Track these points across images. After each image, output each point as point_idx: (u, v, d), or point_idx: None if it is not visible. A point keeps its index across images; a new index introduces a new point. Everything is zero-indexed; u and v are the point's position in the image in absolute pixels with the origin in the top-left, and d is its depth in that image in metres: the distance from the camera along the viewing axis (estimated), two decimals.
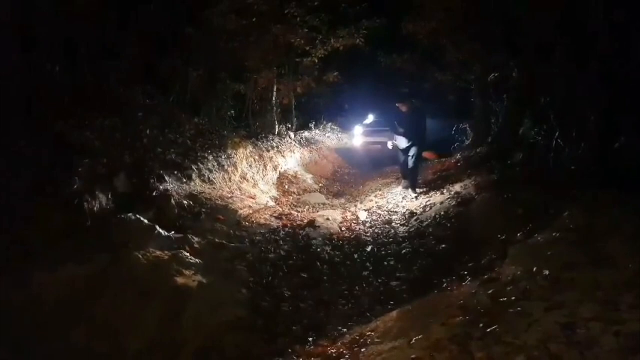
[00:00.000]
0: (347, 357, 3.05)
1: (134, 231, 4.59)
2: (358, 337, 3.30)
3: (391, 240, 5.88)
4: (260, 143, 10.03)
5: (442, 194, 7.08)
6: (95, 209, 4.61)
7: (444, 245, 5.17)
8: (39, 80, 5.60)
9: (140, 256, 4.26)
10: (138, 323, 3.74)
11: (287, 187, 9.15)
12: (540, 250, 3.50)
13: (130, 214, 4.70)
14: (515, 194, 5.31)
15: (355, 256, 5.42)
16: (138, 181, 5.26)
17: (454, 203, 6.29)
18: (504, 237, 4.45)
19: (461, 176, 7.64)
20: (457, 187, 6.98)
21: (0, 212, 4.12)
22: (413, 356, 2.54)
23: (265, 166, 9.13)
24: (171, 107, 8.35)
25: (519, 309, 2.64)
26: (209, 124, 9.17)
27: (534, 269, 3.10)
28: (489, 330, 2.50)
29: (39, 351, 3.39)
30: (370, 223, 6.79)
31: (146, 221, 4.69)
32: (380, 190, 9.32)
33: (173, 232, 4.83)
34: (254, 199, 7.17)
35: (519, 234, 4.25)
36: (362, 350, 3.01)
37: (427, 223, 6.08)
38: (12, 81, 5.14)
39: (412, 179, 7.92)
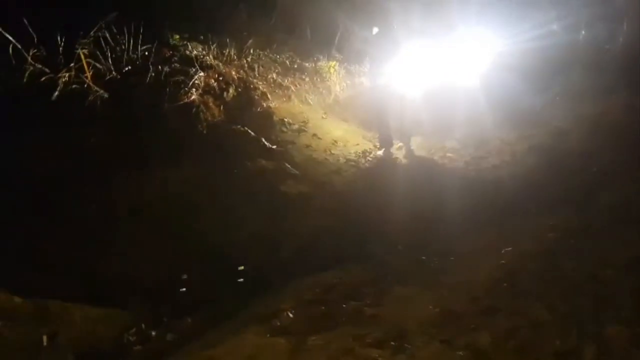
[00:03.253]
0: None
1: (241, 141, 5.09)
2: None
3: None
4: (352, 68, 10.07)
5: None
6: (209, 118, 5.11)
7: None
8: None
9: (249, 163, 4.76)
10: (247, 219, 4.29)
11: None
12: None
13: (239, 126, 5.17)
14: None
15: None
16: (245, 96, 5.68)
17: None
18: None
19: None
20: None
21: (125, 115, 4.69)
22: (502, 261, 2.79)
23: (356, 90, 9.25)
24: (270, 26, 8.57)
25: None
26: (305, 45, 9.32)
27: None
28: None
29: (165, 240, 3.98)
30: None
31: (253, 133, 5.15)
32: None
33: (275, 146, 5.25)
34: (346, 122, 7.43)
35: None
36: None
37: None
38: None
39: None
